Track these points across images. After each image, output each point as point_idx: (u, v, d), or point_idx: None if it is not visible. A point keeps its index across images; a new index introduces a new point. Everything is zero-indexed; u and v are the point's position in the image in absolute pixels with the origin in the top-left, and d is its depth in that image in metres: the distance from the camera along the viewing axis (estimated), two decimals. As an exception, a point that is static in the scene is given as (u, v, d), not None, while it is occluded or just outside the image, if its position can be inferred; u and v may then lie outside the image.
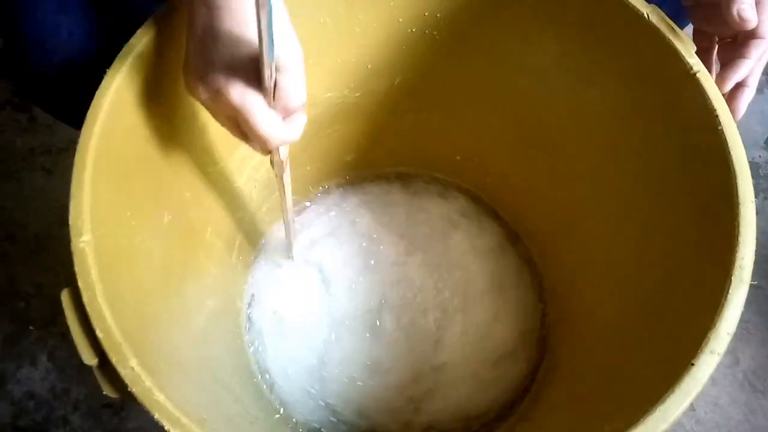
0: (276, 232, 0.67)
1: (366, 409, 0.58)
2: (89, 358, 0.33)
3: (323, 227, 0.68)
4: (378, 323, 0.62)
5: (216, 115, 0.39)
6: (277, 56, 0.33)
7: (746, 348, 0.81)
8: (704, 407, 0.78)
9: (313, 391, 0.59)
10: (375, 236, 0.67)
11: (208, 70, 0.35)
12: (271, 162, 0.44)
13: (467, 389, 0.58)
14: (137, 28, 0.40)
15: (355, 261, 0.65)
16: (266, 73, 0.34)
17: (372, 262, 0.66)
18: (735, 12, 0.41)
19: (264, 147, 0.38)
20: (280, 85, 0.35)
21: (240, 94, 0.35)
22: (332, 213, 0.69)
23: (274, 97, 0.36)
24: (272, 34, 0.31)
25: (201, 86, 0.36)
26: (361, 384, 0.59)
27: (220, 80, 0.35)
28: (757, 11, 0.41)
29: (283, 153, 0.43)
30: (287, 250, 0.64)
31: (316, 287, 0.64)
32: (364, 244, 0.66)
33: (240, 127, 0.38)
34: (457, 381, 0.59)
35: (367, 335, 0.62)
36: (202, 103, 0.38)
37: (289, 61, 0.35)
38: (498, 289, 0.63)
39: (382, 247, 0.66)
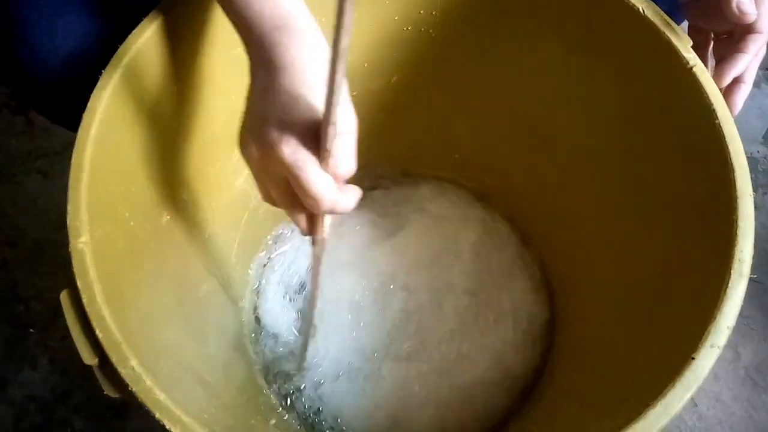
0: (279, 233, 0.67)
1: (368, 416, 0.58)
2: (89, 358, 0.33)
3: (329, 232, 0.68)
4: (387, 317, 0.62)
5: (265, 179, 0.37)
6: None
7: (748, 344, 0.81)
8: (706, 403, 0.78)
9: (314, 389, 0.59)
10: (374, 239, 0.67)
11: (262, 125, 0.34)
12: (313, 241, 0.40)
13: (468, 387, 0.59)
14: (133, 28, 0.40)
15: (355, 267, 0.65)
16: (330, 132, 0.31)
17: (372, 265, 0.66)
18: (735, 5, 0.41)
19: (315, 208, 0.35)
20: (333, 150, 0.33)
21: (293, 149, 0.33)
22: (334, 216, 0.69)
23: (327, 162, 0.34)
24: (343, 91, 0.29)
25: (253, 143, 0.35)
26: (363, 386, 0.59)
27: (274, 135, 0.33)
28: (755, 5, 0.41)
29: (327, 227, 0.40)
30: (299, 357, 0.59)
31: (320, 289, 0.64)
32: (365, 249, 0.66)
33: (287, 191, 0.35)
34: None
35: (373, 329, 0.62)
36: (253, 165, 0.36)
37: (346, 126, 0.34)
38: (501, 285, 0.63)
39: (381, 250, 0.66)
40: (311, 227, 0.39)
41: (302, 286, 0.65)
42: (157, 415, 0.31)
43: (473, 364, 0.59)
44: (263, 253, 0.67)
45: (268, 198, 0.38)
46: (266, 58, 0.36)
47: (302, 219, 0.39)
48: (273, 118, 0.34)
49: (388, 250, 0.66)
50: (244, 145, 0.37)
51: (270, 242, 0.67)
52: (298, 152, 0.33)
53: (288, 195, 0.36)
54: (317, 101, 0.34)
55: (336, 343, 0.61)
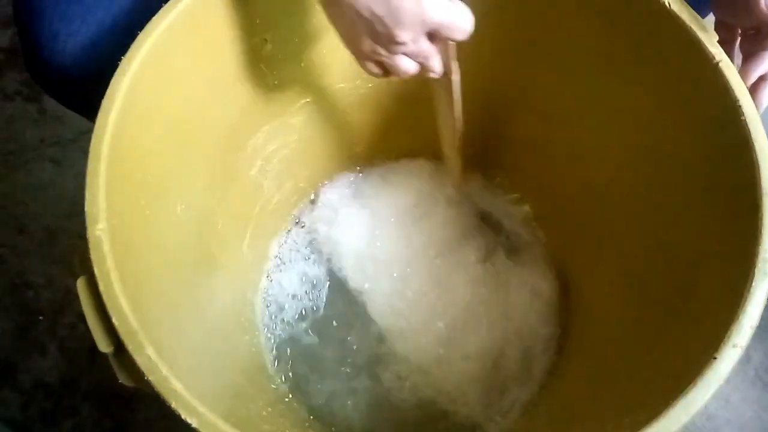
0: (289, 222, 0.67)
1: (372, 410, 0.58)
2: (105, 346, 0.33)
3: (335, 218, 0.67)
4: (397, 303, 0.62)
5: (394, 52, 0.39)
6: None
7: (758, 345, 0.80)
8: (715, 404, 0.78)
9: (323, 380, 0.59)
10: (391, 222, 0.67)
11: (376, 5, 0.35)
12: (446, 69, 0.43)
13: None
14: (152, 15, 0.40)
15: (366, 252, 0.65)
16: None
17: (382, 255, 0.65)
18: (763, 4, 0.40)
19: (463, 29, 0.38)
20: None
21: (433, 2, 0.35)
22: (344, 202, 0.69)
23: None
24: None
25: (400, 28, 0.36)
26: (374, 380, 0.59)
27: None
28: None
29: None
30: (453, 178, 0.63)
31: (326, 277, 0.64)
32: (377, 233, 0.66)
33: (417, 46, 0.38)
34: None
35: (382, 317, 0.61)
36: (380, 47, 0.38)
37: None
38: (514, 278, 0.63)
39: (395, 233, 0.66)
40: (447, 60, 0.42)
41: (311, 276, 0.65)
42: (173, 405, 0.31)
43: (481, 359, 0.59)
44: (275, 244, 0.66)
45: (395, 70, 0.40)
46: None
47: (439, 61, 0.41)
48: None
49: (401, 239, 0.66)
50: (369, 50, 0.38)
51: (281, 233, 0.67)
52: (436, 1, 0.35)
53: (427, 51, 0.39)
54: None
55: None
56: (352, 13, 0.36)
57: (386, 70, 0.41)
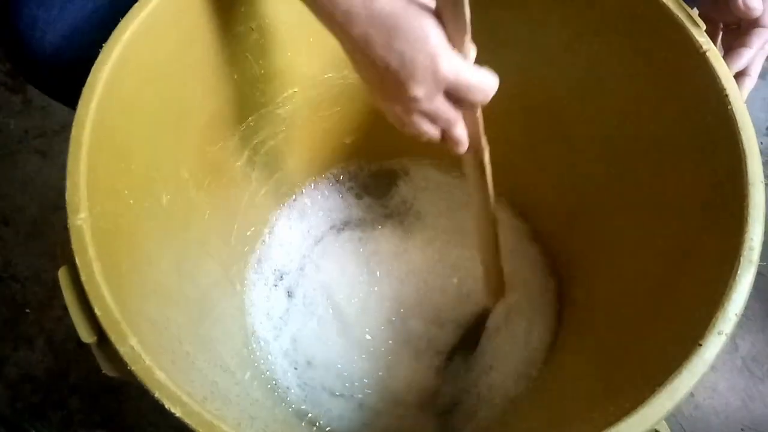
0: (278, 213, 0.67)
1: (360, 393, 0.58)
2: (87, 336, 0.32)
3: (326, 217, 0.67)
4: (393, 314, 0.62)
5: (422, 117, 0.38)
6: None
7: (746, 334, 0.81)
8: (703, 393, 0.78)
9: (309, 373, 0.59)
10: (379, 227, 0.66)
11: (404, 64, 0.34)
12: (475, 147, 0.42)
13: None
14: (134, 1, 0.39)
15: (357, 255, 0.65)
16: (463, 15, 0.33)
17: (377, 251, 0.65)
18: (740, 1, 0.41)
19: (486, 94, 0.37)
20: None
21: (446, 58, 0.34)
22: (332, 200, 0.68)
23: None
24: None
25: (413, 82, 0.35)
26: (363, 364, 0.59)
27: (420, 57, 0.34)
28: (762, 0, 0.42)
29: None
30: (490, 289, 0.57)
31: (316, 273, 0.64)
32: (367, 234, 0.66)
33: (444, 112, 0.37)
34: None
35: (369, 313, 0.61)
36: (411, 110, 0.37)
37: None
38: (509, 270, 0.63)
39: (384, 238, 0.66)
40: (474, 133, 0.41)
41: (298, 268, 0.65)
42: (156, 395, 0.31)
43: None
44: (262, 235, 0.66)
45: (424, 134, 0.39)
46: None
47: (463, 131, 0.40)
48: (403, 47, 0.34)
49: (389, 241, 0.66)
50: (387, 103, 0.38)
51: (269, 224, 0.67)
52: (451, 59, 0.34)
53: (447, 115, 0.38)
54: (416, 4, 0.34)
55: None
56: (370, 65, 0.35)
57: (406, 129, 0.39)
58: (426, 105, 0.36)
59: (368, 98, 0.40)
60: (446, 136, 0.40)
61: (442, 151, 0.67)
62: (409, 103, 0.36)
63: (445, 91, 0.36)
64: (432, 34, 0.34)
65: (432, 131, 0.39)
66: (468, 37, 0.35)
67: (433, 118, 0.38)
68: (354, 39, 0.35)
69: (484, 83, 0.36)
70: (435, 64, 0.34)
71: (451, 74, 0.35)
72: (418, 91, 0.35)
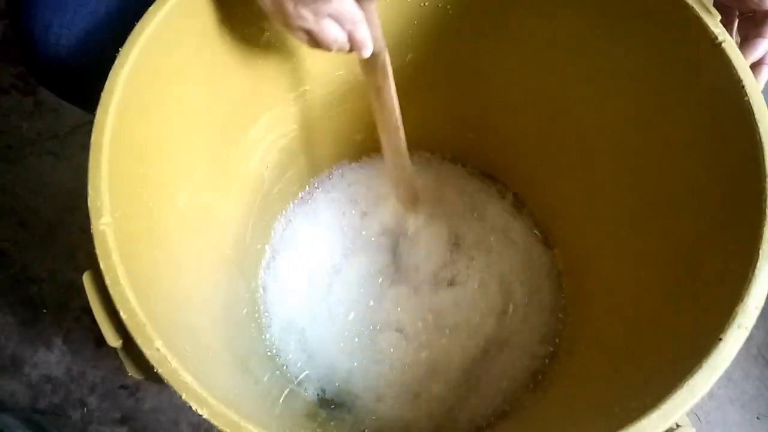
0: (289, 215, 0.67)
1: (377, 388, 0.58)
2: (113, 340, 0.33)
3: (332, 210, 0.67)
4: (394, 299, 0.62)
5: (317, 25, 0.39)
6: None
7: (760, 323, 0.81)
8: (717, 382, 0.78)
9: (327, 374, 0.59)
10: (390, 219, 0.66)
11: None
12: (378, 49, 0.43)
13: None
14: (147, 5, 0.39)
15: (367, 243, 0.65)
16: None
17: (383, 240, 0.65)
18: None
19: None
20: None
21: None
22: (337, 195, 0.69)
23: None
24: None
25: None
26: (377, 364, 0.59)
27: None
28: None
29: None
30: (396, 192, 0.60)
31: (328, 270, 0.64)
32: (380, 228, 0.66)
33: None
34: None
35: (380, 307, 0.62)
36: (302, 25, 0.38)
37: None
38: (514, 265, 0.63)
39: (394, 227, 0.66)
40: (376, 35, 0.42)
41: (314, 267, 0.65)
42: (184, 396, 0.31)
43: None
44: (276, 235, 0.66)
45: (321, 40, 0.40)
46: None
47: (367, 33, 0.41)
48: None
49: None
50: (297, 15, 0.38)
51: (283, 224, 0.67)
52: None
53: (352, 14, 0.39)
54: None
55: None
56: None
57: (315, 39, 0.40)
58: (335, 6, 0.38)
59: (275, 25, 0.41)
60: (352, 38, 0.41)
61: (444, 143, 0.68)
62: (319, 6, 0.38)
63: None
64: None
65: (341, 37, 0.40)
66: None
67: (340, 20, 0.39)
68: None
69: None
70: None
71: None
72: None
